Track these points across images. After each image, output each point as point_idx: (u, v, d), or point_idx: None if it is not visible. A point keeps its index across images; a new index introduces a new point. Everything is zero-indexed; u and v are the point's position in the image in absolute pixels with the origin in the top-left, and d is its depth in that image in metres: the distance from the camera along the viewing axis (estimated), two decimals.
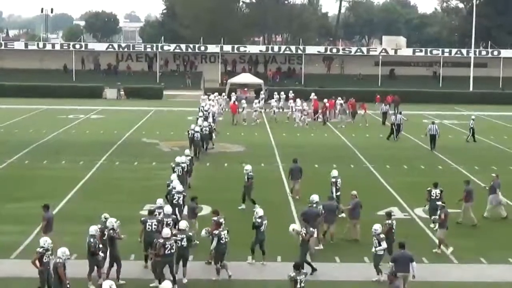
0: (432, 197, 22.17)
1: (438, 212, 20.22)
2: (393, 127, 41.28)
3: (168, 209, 19.34)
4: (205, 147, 35.28)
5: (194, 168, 27.84)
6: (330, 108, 49.15)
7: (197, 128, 34.36)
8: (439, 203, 20.69)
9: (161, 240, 16.97)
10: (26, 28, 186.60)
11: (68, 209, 24.17)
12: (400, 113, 42.22)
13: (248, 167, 24.51)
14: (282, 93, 54.21)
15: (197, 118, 38.46)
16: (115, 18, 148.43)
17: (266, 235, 18.76)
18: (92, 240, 16.83)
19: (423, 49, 79.20)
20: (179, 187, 21.84)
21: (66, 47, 77.62)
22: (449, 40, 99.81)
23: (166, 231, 17.24)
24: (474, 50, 73.29)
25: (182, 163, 26.02)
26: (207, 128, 35.56)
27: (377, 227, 17.78)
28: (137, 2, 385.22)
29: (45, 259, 15.67)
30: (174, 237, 17.18)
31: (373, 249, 17.70)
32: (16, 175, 29.72)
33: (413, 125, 45.61)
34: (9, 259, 18.84)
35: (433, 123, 38.96)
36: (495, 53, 74.92)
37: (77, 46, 76.06)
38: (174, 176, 23.30)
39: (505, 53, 74.68)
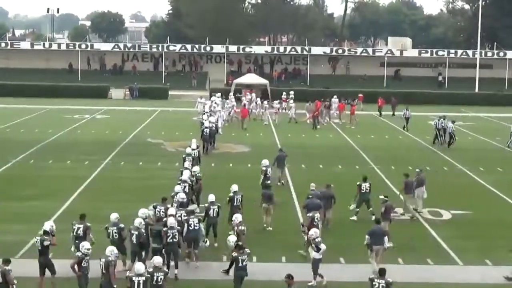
0: (362, 191, 23.01)
1: (380, 205, 20.83)
2: (451, 136, 38.92)
3: (181, 195, 20.31)
4: (213, 143, 36.31)
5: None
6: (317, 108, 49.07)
7: (207, 124, 35.55)
8: (381, 197, 21.21)
9: (164, 229, 17.44)
10: (32, 28, 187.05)
11: (73, 208, 24.14)
12: (453, 122, 39.57)
13: (196, 168, 24.66)
14: (254, 95, 55.11)
15: (208, 115, 39.51)
16: (121, 18, 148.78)
17: (218, 220, 19.95)
18: (138, 232, 17.27)
19: (429, 50, 79.02)
20: (184, 176, 22.82)
21: (72, 47, 77.72)
22: (455, 41, 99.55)
23: (170, 220, 17.69)
24: (480, 51, 73.20)
25: (193, 150, 28.01)
26: (214, 125, 36.84)
27: (313, 232, 17.74)
28: (142, 2, 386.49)
29: (84, 263, 15.67)
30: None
31: (313, 254, 17.49)
32: (22, 175, 29.79)
33: (418, 126, 45.61)
34: (14, 258, 18.83)
35: (453, 122, 39.26)
36: (501, 54, 74.73)
37: (83, 46, 76.13)
38: (186, 164, 24.95)
39: (511, 54, 74.47)
